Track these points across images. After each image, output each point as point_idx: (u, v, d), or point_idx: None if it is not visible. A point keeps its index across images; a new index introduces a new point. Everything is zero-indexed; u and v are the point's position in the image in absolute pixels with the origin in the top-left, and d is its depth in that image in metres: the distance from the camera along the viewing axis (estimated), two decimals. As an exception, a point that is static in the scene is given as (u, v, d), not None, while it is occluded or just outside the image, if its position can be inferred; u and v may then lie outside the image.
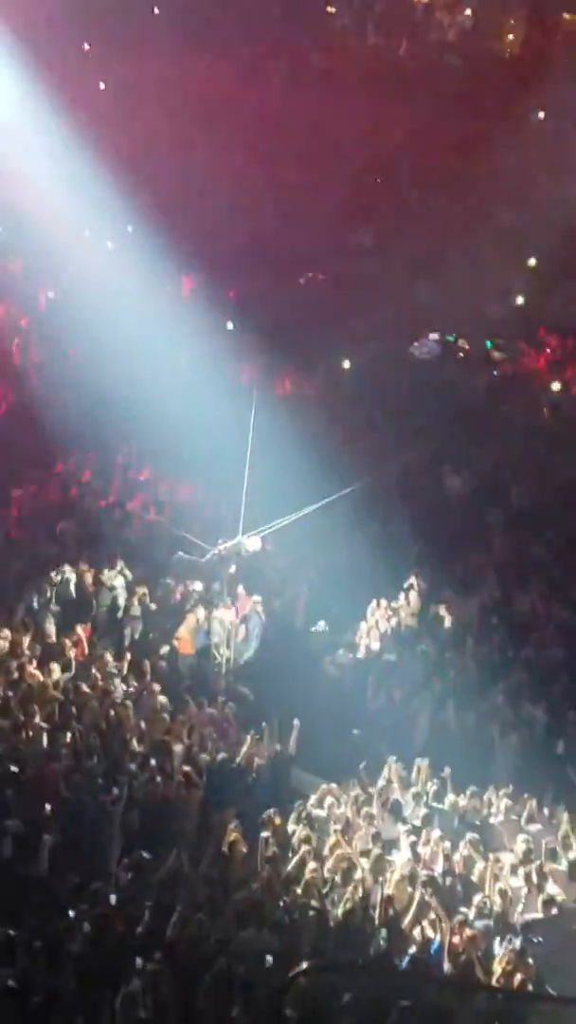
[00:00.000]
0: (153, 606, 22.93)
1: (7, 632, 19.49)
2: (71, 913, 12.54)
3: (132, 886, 13.93)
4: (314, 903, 14.26)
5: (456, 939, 13.98)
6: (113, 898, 13.12)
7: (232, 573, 21.66)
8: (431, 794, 17.72)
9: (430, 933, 14.07)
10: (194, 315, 31.93)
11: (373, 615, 23.04)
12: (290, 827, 16.28)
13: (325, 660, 22.72)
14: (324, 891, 14.60)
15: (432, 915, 14.24)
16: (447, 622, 23.10)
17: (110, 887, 13.64)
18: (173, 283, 34.46)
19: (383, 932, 13.85)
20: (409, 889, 14.75)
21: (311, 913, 14.08)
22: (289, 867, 15.13)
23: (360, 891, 14.63)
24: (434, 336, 34.69)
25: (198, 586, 22.60)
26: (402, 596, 23.65)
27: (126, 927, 12.70)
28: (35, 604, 21.37)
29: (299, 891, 14.53)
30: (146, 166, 36.53)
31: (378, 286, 35.04)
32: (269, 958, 12.59)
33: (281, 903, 14.19)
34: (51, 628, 20.85)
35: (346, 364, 32.90)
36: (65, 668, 19.07)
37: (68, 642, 20.07)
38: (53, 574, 22.56)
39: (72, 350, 30.68)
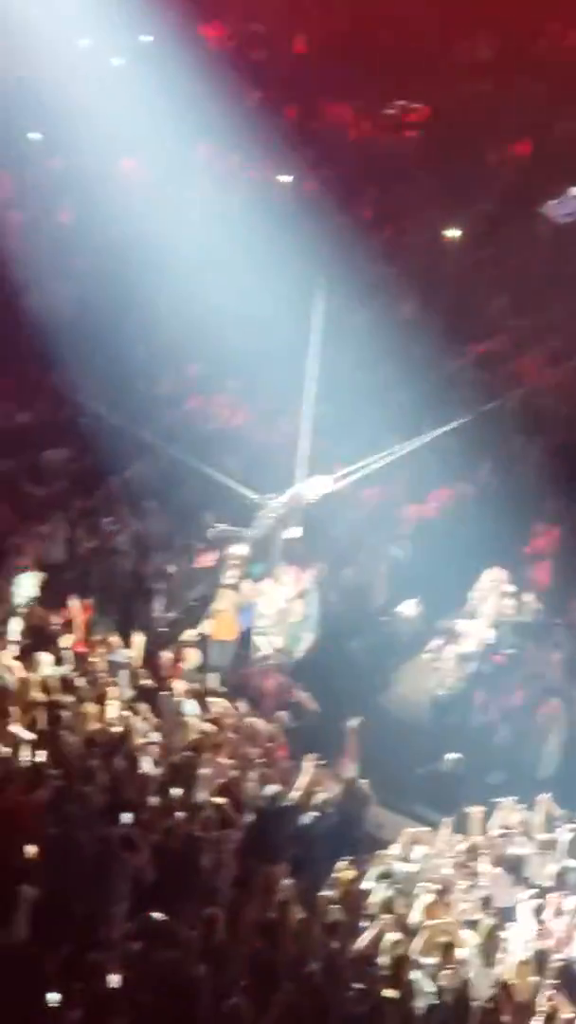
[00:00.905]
0: (174, 573, 23.05)
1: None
2: (55, 998, 12.64)
3: (142, 960, 14.03)
4: (393, 993, 14.28)
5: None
6: (115, 978, 13.18)
7: (289, 535, 21.59)
8: (564, 845, 17.71)
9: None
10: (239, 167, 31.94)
11: (486, 592, 23.00)
12: (364, 886, 16.31)
13: (415, 654, 22.80)
14: (411, 977, 14.63)
15: (564, 1015, 14.28)
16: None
17: (112, 961, 13.75)
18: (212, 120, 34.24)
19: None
20: (534, 977, 14.78)
21: (392, 1007, 14.12)
22: (362, 942, 15.18)
23: (463, 977, 14.65)
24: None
25: (239, 549, 22.63)
26: (529, 567, 23.56)
27: (132, 1018, 12.78)
28: (13, 569, 21.49)
29: (376, 976, 14.58)
30: None
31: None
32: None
33: (350, 992, 14.24)
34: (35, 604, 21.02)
35: (452, 232, 32.65)
36: (58, 661, 19.19)
37: (58, 623, 20.18)
38: (39, 526, 22.74)
39: (64, 213, 30.78)
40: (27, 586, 21.38)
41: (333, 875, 16.28)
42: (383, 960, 14.88)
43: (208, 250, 29.19)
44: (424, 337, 29.34)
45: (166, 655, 20.50)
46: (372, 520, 24.98)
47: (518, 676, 21.66)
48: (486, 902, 16.18)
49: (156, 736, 18.30)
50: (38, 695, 18.05)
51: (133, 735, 17.82)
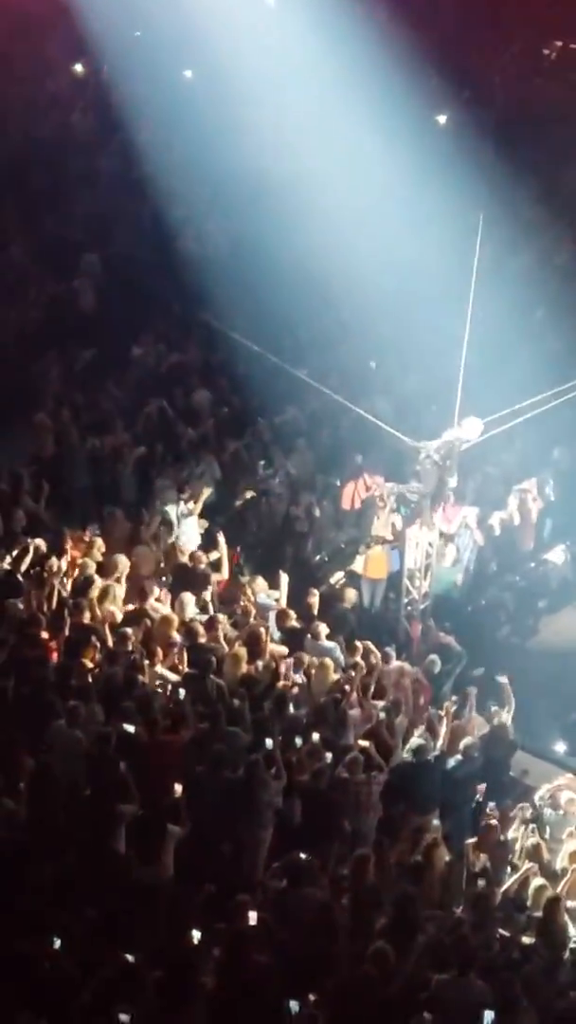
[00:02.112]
0: (321, 515, 23.04)
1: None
2: (197, 935, 12.68)
3: (285, 901, 14.06)
4: (539, 939, 14.20)
5: None
6: (254, 916, 13.19)
7: (445, 477, 21.40)
8: None
9: None
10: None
11: None
12: (511, 832, 16.22)
13: (564, 600, 22.61)
14: (562, 921, 14.53)
15: None
16: None
17: (255, 900, 13.79)
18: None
19: None
20: None
21: (539, 953, 14.04)
22: (509, 886, 15.13)
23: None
24: None
25: (387, 488, 22.44)
26: None
27: (273, 956, 12.79)
28: (170, 509, 21.55)
29: (522, 922, 14.51)
30: None
31: None
32: (489, 1015, 12.59)
33: (498, 936, 14.19)
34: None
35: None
36: (203, 607, 19.30)
37: (206, 563, 20.25)
38: (192, 468, 22.76)
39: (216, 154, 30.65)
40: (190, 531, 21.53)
41: (479, 820, 16.23)
42: (530, 905, 14.84)
43: (364, 191, 28.93)
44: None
45: (312, 598, 20.43)
46: (523, 464, 24.75)
47: None
48: None
49: (301, 679, 18.37)
50: (183, 637, 18.15)
51: (279, 678, 17.86)
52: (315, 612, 20.14)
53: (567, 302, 28.38)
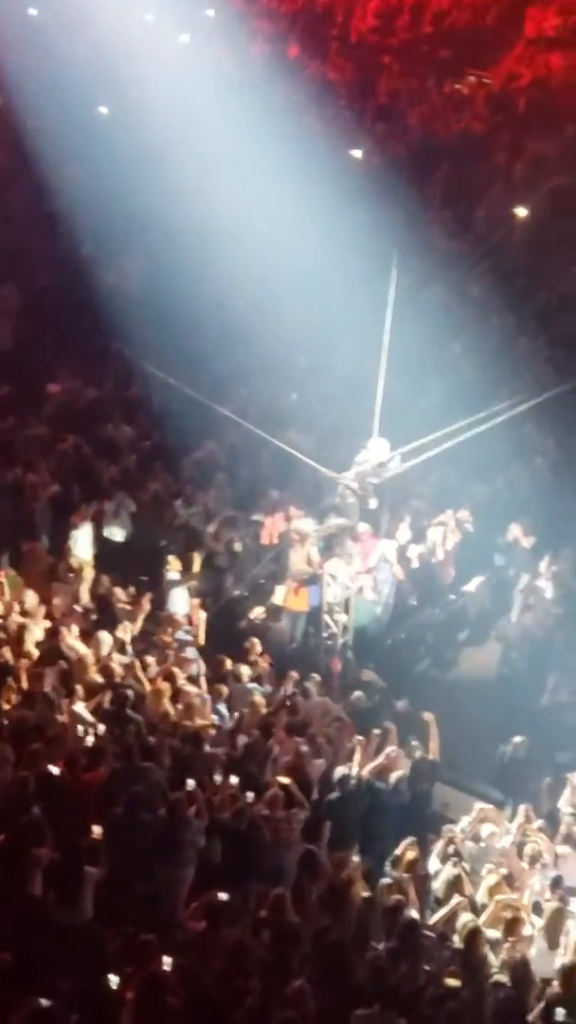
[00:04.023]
0: (241, 550, 23.00)
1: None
2: (113, 979, 12.57)
3: (204, 941, 13.96)
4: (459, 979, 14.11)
5: None
6: (167, 961, 13.06)
7: (366, 505, 21.40)
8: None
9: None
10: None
11: (551, 568, 22.80)
12: (432, 865, 16.21)
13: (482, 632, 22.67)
14: (483, 953, 14.49)
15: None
16: None
17: (172, 941, 13.68)
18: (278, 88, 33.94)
19: (559, 1014, 13.72)
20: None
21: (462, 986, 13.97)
22: (437, 920, 15.09)
23: (525, 955, 14.50)
24: None
25: (304, 523, 22.48)
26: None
27: (185, 998, 12.67)
28: (76, 545, 21.47)
29: (446, 957, 14.47)
30: None
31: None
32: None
33: (423, 970, 14.11)
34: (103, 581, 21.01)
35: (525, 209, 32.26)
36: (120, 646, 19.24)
37: (123, 599, 20.17)
38: (106, 503, 22.69)
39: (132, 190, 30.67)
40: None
41: (396, 853, 16.18)
42: (455, 939, 14.77)
43: (280, 226, 29.03)
44: (495, 315, 29.16)
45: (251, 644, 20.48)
46: (441, 497, 24.81)
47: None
48: (555, 883, 15.99)
49: (222, 714, 18.31)
50: (100, 677, 18.04)
51: (199, 713, 17.77)
52: (255, 656, 20.16)
53: (482, 334, 28.59)
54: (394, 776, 17.54)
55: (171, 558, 21.87)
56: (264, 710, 18.43)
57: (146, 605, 20.47)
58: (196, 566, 22.05)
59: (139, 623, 20.15)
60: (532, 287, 30.56)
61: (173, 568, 21.70)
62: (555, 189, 32.50)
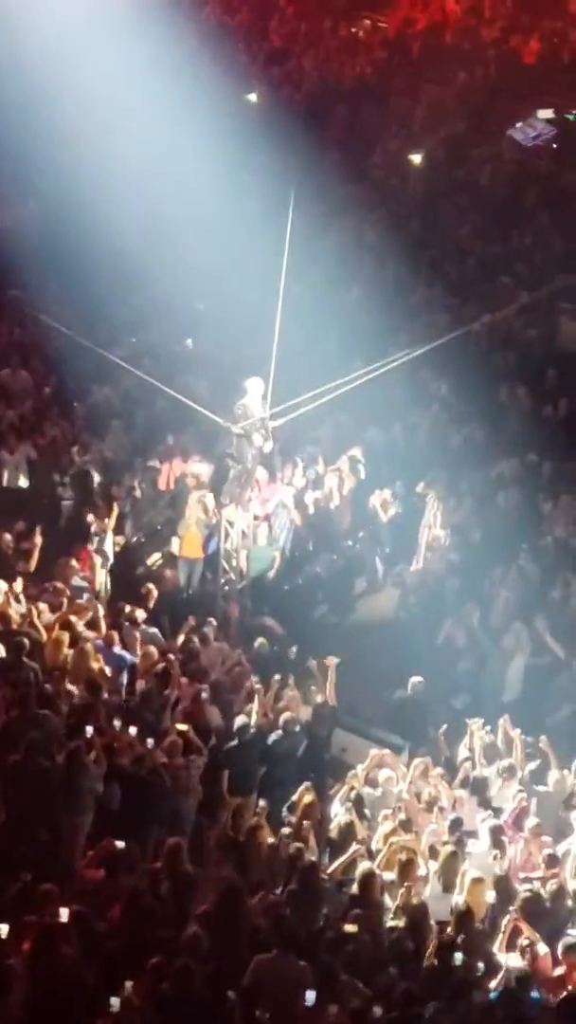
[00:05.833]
0: (139, 496, 22.91)
1: None
2: (3, 928, 12.48)
3: (101, 889, 13.93)
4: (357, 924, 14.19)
5: (561, 970, 13.98)
6: (65, 911, 12.99)
7: (261, 450, 21.35)
8: (527, 769, 17.69)
9: (519, 962, 14.06)
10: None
11: (449, 513, 22.89)
12: (334, 810, 16.28)
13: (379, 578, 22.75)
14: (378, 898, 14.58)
15: (524, 937, 14.23)
16: (558, 530, 22.93)
17: (69, 889, 13.64)
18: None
19: (457, 957, 13.83)
20: (490, 899, 14.76)
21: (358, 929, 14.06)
22: (335, 867, 15.16)
23: (420, 897, 14.63)
24: (546, 114, 32.84)
25: (200, 468, 22.41)
26: (496, 491, 23.51)
27: (81, 950, 12.62)
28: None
29: (344, 900, 14.56)
30: None
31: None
32: (310, 994, 12.60)
33: (321, 914, 14.19)
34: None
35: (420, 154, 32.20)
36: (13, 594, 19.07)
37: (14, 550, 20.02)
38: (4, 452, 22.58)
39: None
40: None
41: (292, 799, 16.23)
42: (354, 886, 14.82)
43: (177, 170, 28.83)
44: (391, 260, 29.14)
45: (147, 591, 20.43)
46: (337, 443, 24.83)
47: (483, 600, 21.55)
48: (453, 826, 16.11)
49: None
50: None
51: (93, 659, 17.72)
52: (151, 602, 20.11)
53: (378, 280, 28.56)
54: (284, 718, 17.57)
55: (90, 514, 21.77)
56: (159, 656, 18.40)
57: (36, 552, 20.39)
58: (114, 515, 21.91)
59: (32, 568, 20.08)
60: (427, 234, 30.52)
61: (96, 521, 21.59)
62: (450, 136, 32.50)
